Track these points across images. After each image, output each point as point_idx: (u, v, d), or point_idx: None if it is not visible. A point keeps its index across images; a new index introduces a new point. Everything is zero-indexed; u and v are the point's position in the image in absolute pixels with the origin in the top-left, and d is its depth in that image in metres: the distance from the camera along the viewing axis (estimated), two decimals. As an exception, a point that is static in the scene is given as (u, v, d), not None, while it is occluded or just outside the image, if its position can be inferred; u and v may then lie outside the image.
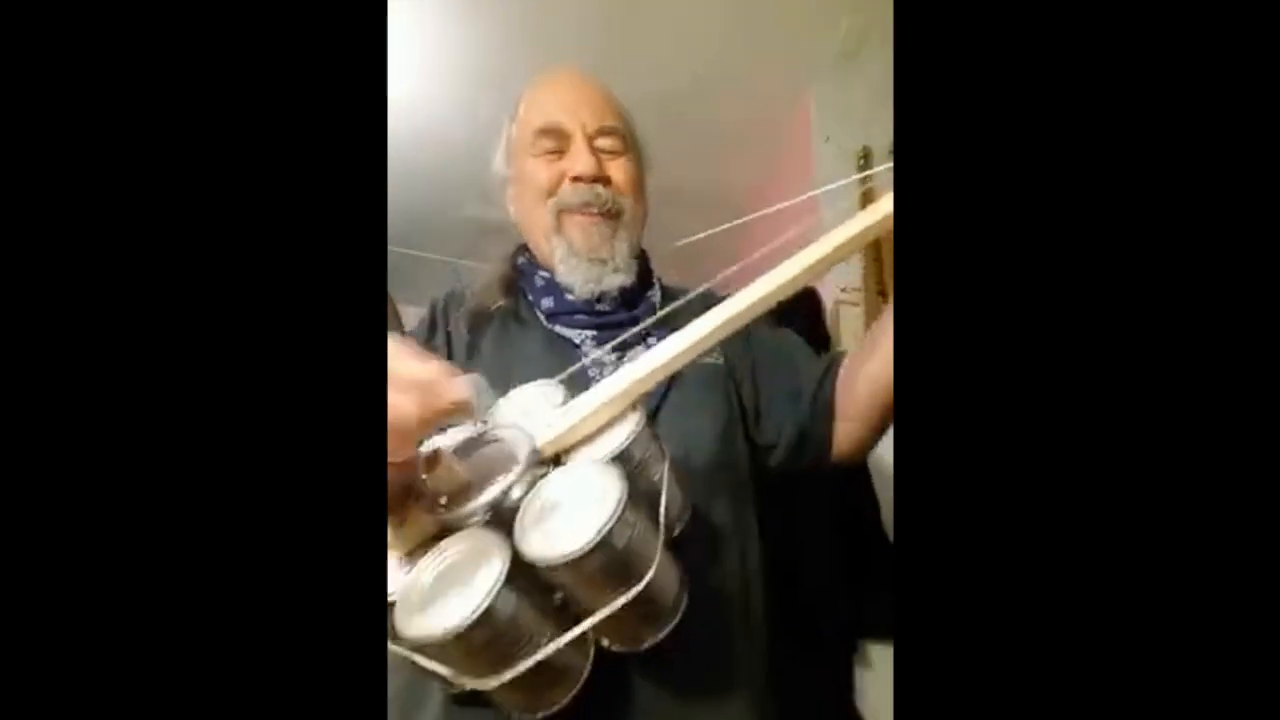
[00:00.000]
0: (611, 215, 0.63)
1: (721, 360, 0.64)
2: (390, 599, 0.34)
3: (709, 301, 0.44)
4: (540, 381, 0.46)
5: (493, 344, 0.62)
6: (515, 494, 0.36)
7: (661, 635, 0.39)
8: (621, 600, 0.34)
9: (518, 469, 0.36)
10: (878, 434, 0.63)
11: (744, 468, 0.62)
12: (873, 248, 1.47)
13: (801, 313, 1.46)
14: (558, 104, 0.64)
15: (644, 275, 0.68)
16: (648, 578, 0.35)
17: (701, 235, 0.49)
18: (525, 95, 0.68)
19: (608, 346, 0.58)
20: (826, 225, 0.43)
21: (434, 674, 0.33)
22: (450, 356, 0.61)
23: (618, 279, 0.63)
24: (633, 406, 0.41)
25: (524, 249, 0.69)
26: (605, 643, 0.39)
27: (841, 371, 0.63)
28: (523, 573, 0.34)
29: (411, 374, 0.32)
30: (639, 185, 0.67)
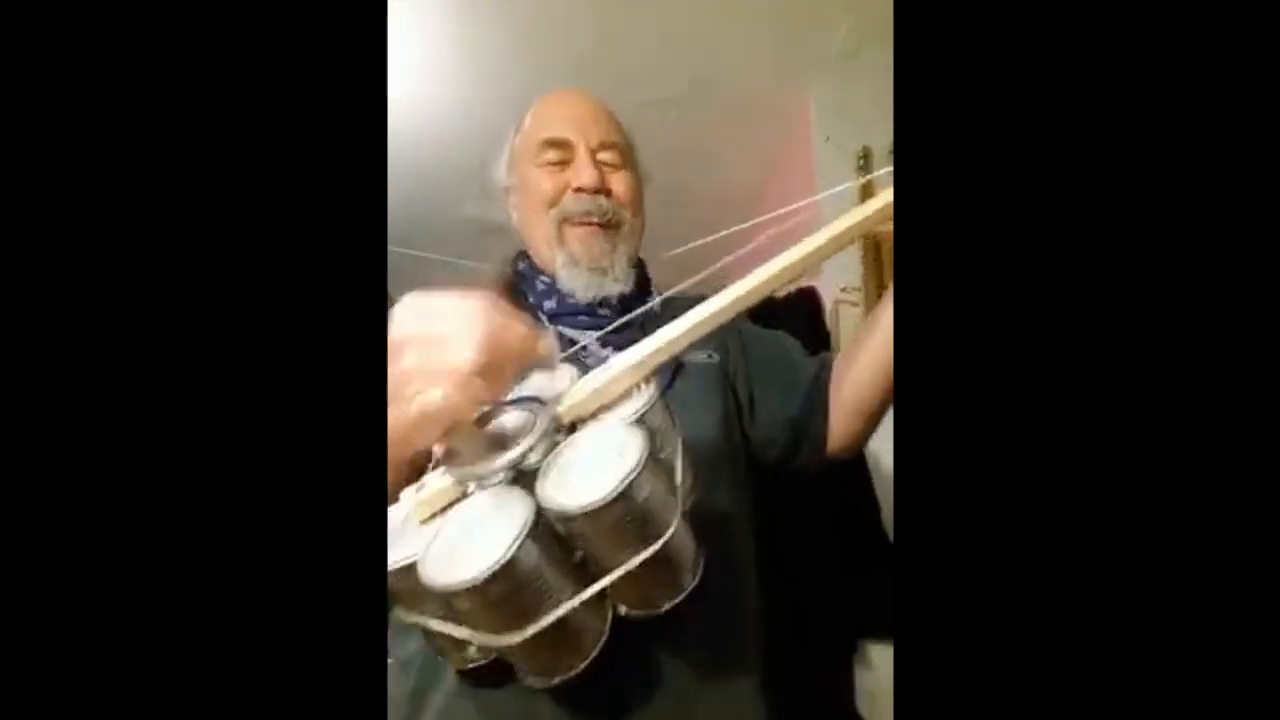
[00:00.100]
0: (611, 226, 0.65)
1: (717, 358, 0.66)
2: (414, 556, 0.35)
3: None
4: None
5: None
6: (534, 456, 0.37)
7: (678, 599, 0.40)
8: (643, 555, 0.35)
9: (538, 429, 0.37)
10: (872, 427, 0.64)
11: (741, 464, 0.63)
12: (873, 248, 1.46)
13: (801, 312, 1.46)
14: (563, 118, 0.67)
15: (642, 283, 0.70)
16: (667, 535, 0.36)
17: (696, 244, 0.50)
18: (531, 109, 0.71)
19: (609, 349, 0.59)
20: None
21: (450, 640, 0.34)
22: None
23: (617, 287, 0.64)
24: (646, 380, 0.42)
25: (524, 255, 0.70)
26: (623, 610, 0.40)
27: (835, 367, 0.65)
28: (545, 528, 0.34)
29: (515, 326, 0.36)
30: (638, 198, 0.69)
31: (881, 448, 1.24)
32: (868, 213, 0.44)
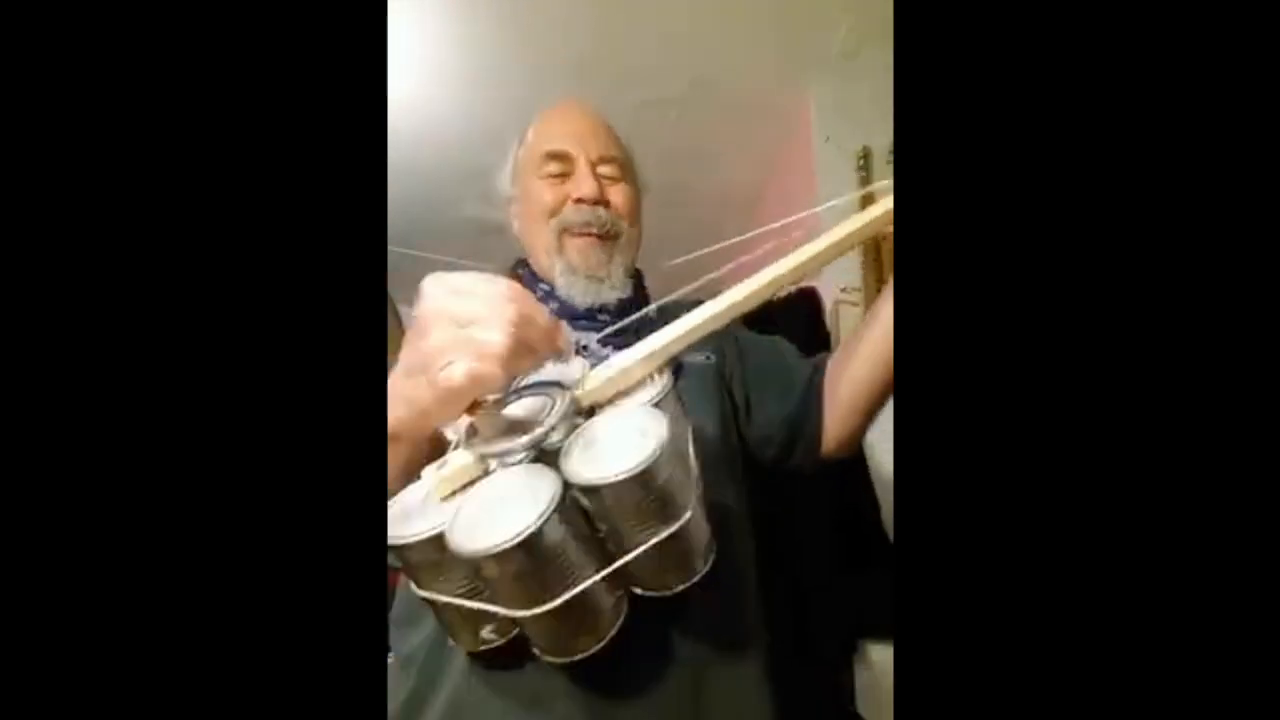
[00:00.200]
0: (610, 236, 0.67)
1: (714, 360, 0.67)
2: (440, 526, 0.36)
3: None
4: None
5: None
6: (555, 437, 0.38)
7: (690, 583, 0.41)
8: (664, 533, 0.36)
9: (559, 410, 0.38)
10: (866, 426, 0.66)
11: (739, 463, 0.64)
12: (873, 248, 1.47)
13: (801, 313, 1.46)
14: (564, 132, 0.69)
15: (639, 291, 0.72)
16: (687, 515, 0.37)
17: (695, 255, 0.52)
18: (533, 123, 0.73)
19: (609, 349, 0.59)
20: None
21: (466, 619, 0.35)
22: None
23: (614, 294, 0.67)
24: (659, 370, 0.43)
25: (523, 262, 0.72)
26: (638, 590, 0.41)
27: (829, 367, 0.66)
28: (570, 503, 0.36)
29: (541, 311, 0.37)
30: (636, 210, 0.71)
31: (881, 447, 1.24)
32: (867, 219, 0.46)
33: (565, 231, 0.66)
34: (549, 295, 0.67)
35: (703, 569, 0.41)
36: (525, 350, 0.36)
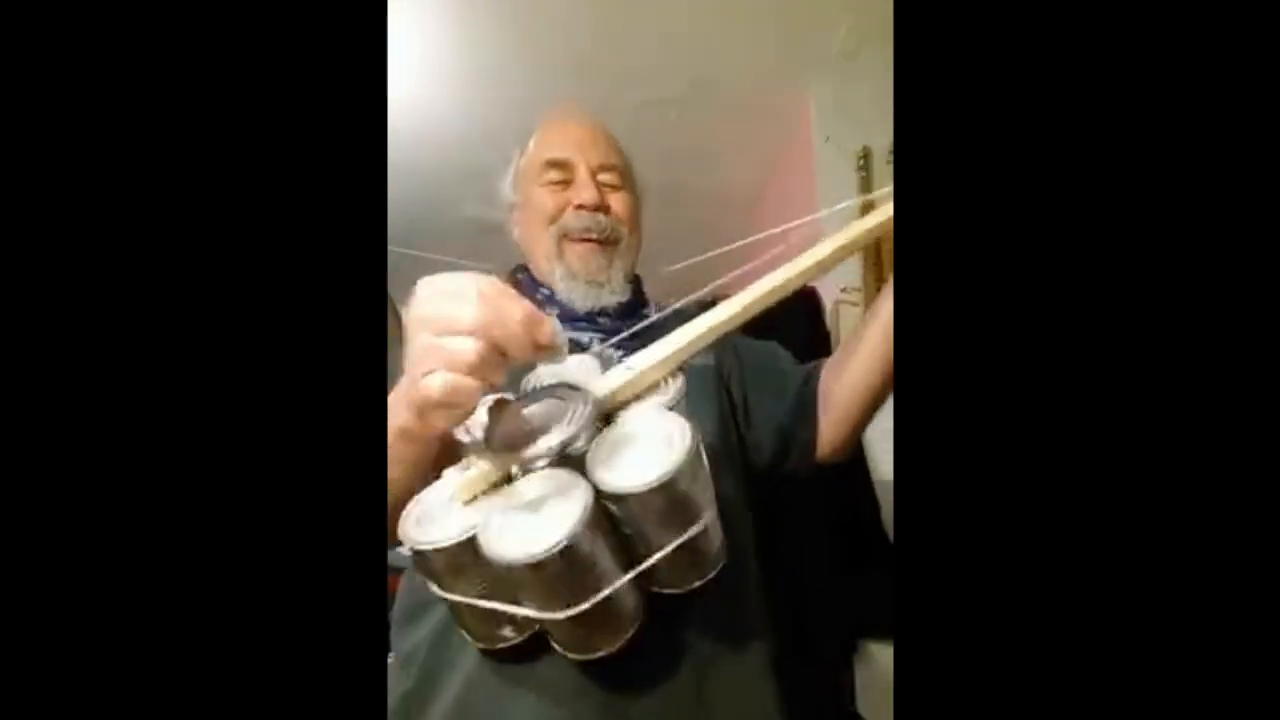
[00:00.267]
0: (609, 242, 0.68)
1: (713, 362, 0.68)
2: (472, 530, 0.36)
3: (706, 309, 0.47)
4: (577, 356, 0.49)
5: None
6: (579, 443, 0.38)
7: (707, 578, 0.42)
8: (688, 535, 0.37)
9: (582, 416, 0.38)
10: (858, 432, 0.67)
11: (738, 463, 0.65)
12: (873, 248, 1.47)
13: (801, 312, 1.46)
14: (566, 140, 0.71)
15: (638, 296, 0.73)
16: (709, 517, 0.38)
17: (695, 260, 0.52)
18: (536, 132, 0.75)
19: (611, 342, 0.60)
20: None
21: (485, 619, 0.36)
22: None
23: (614, 298, 0.68)
24: (672, 374, 0.44)
25: (523, 268, 0.74)
26: (656, 589, 0.41)
27: (824, 373, 0.67)
28: (599, 509, 0.36)
29: (515, 310, 0.36)
30: (635, 217, 0.73)
31: (881, 447, 1.24)
32: (869, 225, 0.47)
33: (566, 237, 0.68)
34: (549, 299, 0.68)
35: (716, 567, 0.42)
36: (505, 349, 0.36)
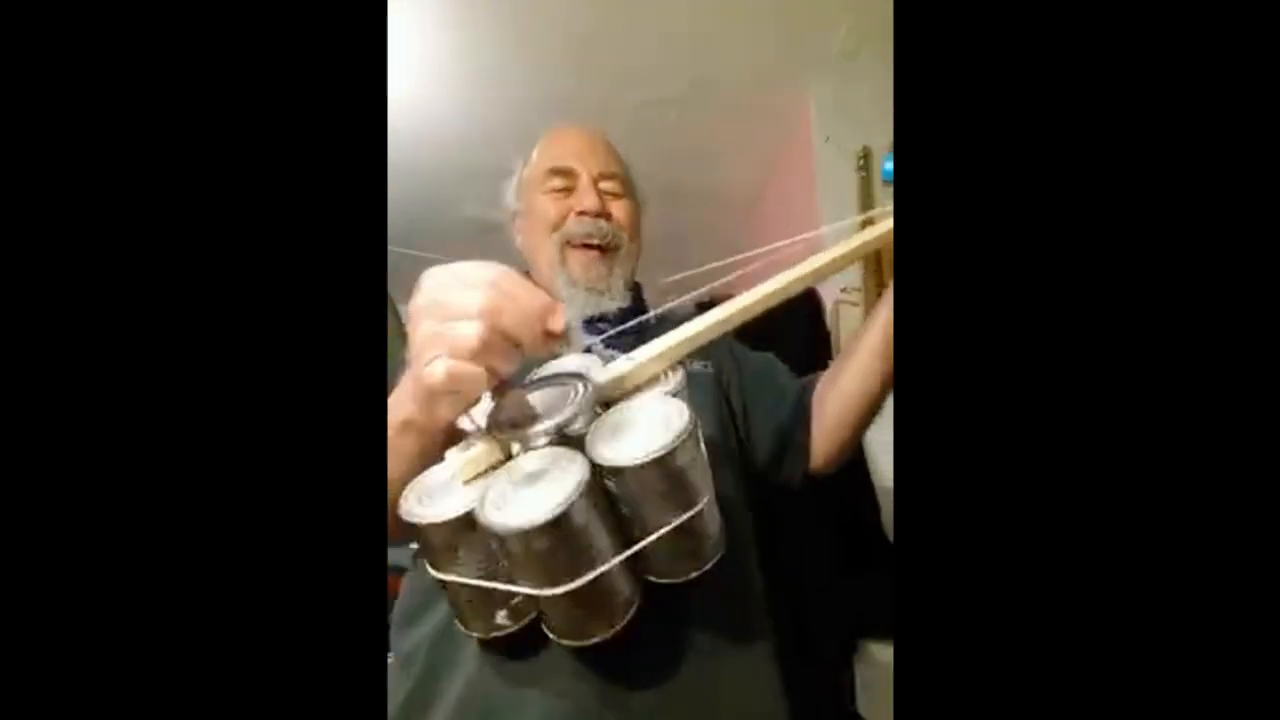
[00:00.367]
0: (611, 249, 0.70)
1: (713, 369, 0.69)
2: (470, 504, 0.36)
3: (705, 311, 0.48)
4: (578, 354, 0.50)
5: None
6: (578, 424, 0.39)
7: (702, 570, 0.42)
8: (684, 517, 0.37)
9: (582, 398, 0.39)
10: (852, 442, 0.68)
11: (738, 465, 0.65)
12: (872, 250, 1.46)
13: (801, 313, 1.46)
14: (568, 150, 0.73)
15: (638, 302, 0.75)
16: (705, 500, 0.38)
17: (697, 271, 0.54)
18: (540, 142, 0.77)
19: (612, 351, 0.60)
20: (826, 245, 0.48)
21: (480, 604, 0.36)
22: None
23: (614, 304, 0.69)
24: (673, 368, 0.44)
25: (524, 274, 0.74)
26: (651, 578, 0.42)
27: (819, 385, 0.69)
28: (596, 485, 0.36)
29: (526, 297, 0.36)
30: (635, 225, 0.74)
31: (881, 449, 1.24)
32: (867, 239, 0.48)
33: (568, 244, 0.69)
34: None
35: (714, 558, 0.42)
36: (503, 340, 0.35)
